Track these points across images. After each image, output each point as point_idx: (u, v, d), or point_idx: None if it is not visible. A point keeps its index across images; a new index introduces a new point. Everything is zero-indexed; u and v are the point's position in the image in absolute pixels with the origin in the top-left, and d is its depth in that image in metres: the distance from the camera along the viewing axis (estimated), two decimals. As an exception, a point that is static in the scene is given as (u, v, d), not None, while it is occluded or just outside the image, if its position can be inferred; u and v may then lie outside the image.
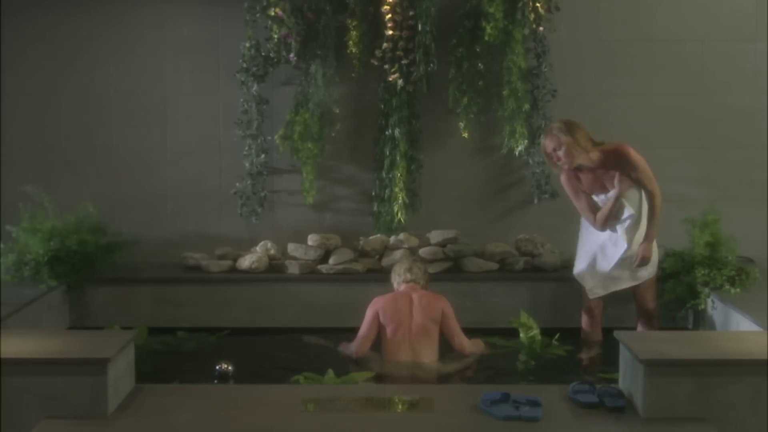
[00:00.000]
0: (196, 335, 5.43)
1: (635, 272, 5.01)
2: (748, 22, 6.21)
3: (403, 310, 4.68)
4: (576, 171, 4.94)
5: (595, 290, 5.10)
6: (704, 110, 6.26)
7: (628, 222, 4.96)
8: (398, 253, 5.82)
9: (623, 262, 4.99)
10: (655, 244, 5.05)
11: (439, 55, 5.93)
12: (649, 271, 5.05)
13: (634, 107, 6.28)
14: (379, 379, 4.50)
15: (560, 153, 4.82)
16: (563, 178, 5.04)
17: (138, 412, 3.41)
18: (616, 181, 4.88)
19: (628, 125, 6.29)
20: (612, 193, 4.90)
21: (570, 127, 4.84)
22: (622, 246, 4.97)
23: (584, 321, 5.23)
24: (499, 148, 6.13)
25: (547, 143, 4.88)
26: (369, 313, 4.76)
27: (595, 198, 5.01)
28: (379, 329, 4.73)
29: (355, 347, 4.77)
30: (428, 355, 4.63)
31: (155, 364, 4.74)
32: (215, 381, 4.38)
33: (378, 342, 4.75)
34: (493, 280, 5.73)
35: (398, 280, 4.91)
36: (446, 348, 4.78)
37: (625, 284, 5.06)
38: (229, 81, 6.18)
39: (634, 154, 4.84)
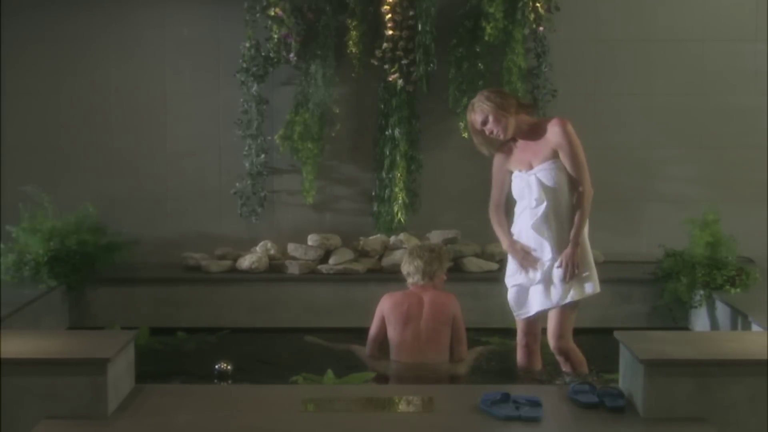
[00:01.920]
0: (196, 335, 5.44)
1: (577, 286, 4.11)
2: (748, 22, 6.21)
3: (411, 311, 4.59)
4: (512, 144, 4.21)
5: (520, 310, 4.30)
6: (704, 110, 6.26)
7: (545, 214, 4.11)
8: (398, 253, 5.82)
9: (552, 270, 4.14)
10: (589, 255, 4.16)
11: (439, 55, 5.94)
12: (592, 285, 4.13)
13: (634, 107, 6.28)
14: (386, 379, 4.49)
15: (490, 125, 4.12)
16: (496, 156, 4.30)
17: (138, 412, 3.40)
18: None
19: (628, 125, 6.30)
20: (527, 174, 4.15)
21: (490, 95, 4.16)
22: (548, 252, 4.15)
23: (518, 353, 4.41)
24: (499, 148, 6.12)
25: (474, 119, 4.17)
26: (376, 313, 4.71)
27: (517, 173, 4.21)
28: (386, 329, 4.70)
29: (367, 349, 4.74)
30: (436, 357, 4.59)
31: (155, 364, 4.74)
32: (215, 380, 4.37)
33: (386, 342, 4.74)
34: (493, 280, 5.70)
35: (403, 272, 4.78)
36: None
37: (560, 299, 4.14)
38: (229, 81, 6.18)
39: (573, 131, 4.08)
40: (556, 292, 4.13)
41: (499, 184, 4.32)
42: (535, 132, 4.15)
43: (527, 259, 4.20)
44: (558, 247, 4.11)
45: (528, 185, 4.15)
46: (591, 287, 4.13)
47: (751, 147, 6.22)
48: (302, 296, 5.77)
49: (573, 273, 4.08)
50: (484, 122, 4.14)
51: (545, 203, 4.09)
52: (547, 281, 4.15)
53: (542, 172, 4.09)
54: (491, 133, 4.15)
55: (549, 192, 4.09)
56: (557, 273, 4.10)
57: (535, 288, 4.20)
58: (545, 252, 4.14)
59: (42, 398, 3.28)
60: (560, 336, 4.17)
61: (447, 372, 4.56)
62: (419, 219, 6.15)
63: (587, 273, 4.12)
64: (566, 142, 4.05)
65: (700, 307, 5.32)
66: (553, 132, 4.07)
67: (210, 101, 6.32)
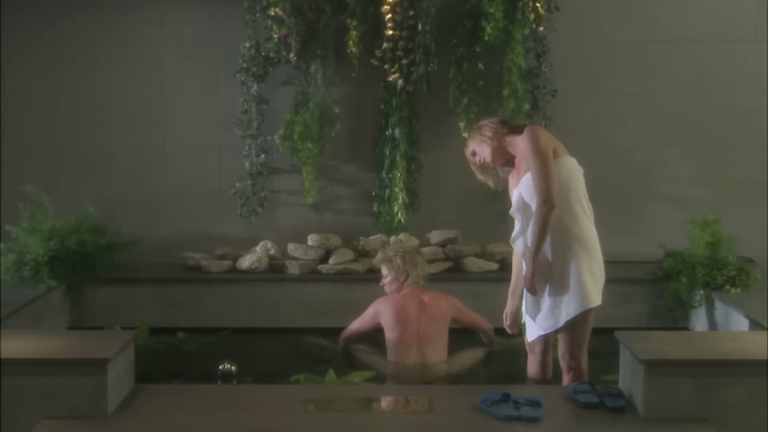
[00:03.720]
0: (196, 335, 5.44)
1: (564, 308, 3.86)
2: (748, 22, 6.21)
3: (411, 313, 4.64)
4: (515, 167, 4.06)
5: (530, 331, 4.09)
6: (704, 110, 6.26)
7: (521, 231, 3.94)
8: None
9: (540, 293, 3.91)
10: (582, 267, 3.82)
11: (439, 55, 5.93)
12: (575, 305, 3.83)
13: (634, 107, 6.28)
14: (385, 379, 4.49)
15: (478, 155, 4.05)
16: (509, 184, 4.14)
17: (138, 412, 3.41)
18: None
19: (628, 125, 6.30)
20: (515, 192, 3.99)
21: (476, 127, 4.12)
22: (527, 270, 3.93)
23: (529, 363, 4.19)
24: (499, 148, 6.12)
25: (467, 154, 4.12)
26: (370, 313, 4.76)
27: (514, 190, 4.04)
28: (377, 330, 4.73)
29: (342, 341, 4.85)
30: (435, 357, 4.64)
31: (155, 364, 4.74)
32: (219, 381, 4.37)
33: (379, 343, 4.75)
34: (493, 280, 5.72)
35: (413, 277, 4.78)
36: (451, 348, 4.79)
37: (548, 325, 3.93)
38: (229, 81, 6.18)
39: (537, 138, 3.82)
40: (542, 318, 3.92)
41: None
42: (517, 146, 3.98)
43: (507, 319, 4.14)
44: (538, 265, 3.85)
45: (514, 201, 4.00)
46: (577, 306, 3.82)
47: (751, 147, 6.22)
48: (302, 296, 5.77)
49: (531, 291, 3.84)
50: (473, 153, 4.07)
51: (522, 219, 3.92)
52: (534, 305, 3.94)
53: (523, 185, 3.91)
54: (480, 161, 4.06)
55: (525, 207, 3.89)
56: (546, 296, 3.88)
57: (530, 313, 4.00)
58: (525, 270, 3.92)
59: (42, 398, 3.29)
60: (570, 356, 3.95)
61: (443, 372, 4.57)
62: (419, 219, 6.15)
63: (571, 292, 3.81)
64: (527, 149, 3.82)
65: (700, 307, 5.32)
66: (522, 140, 3.88)
67: (210, 101, 6.32)
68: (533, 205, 3.84)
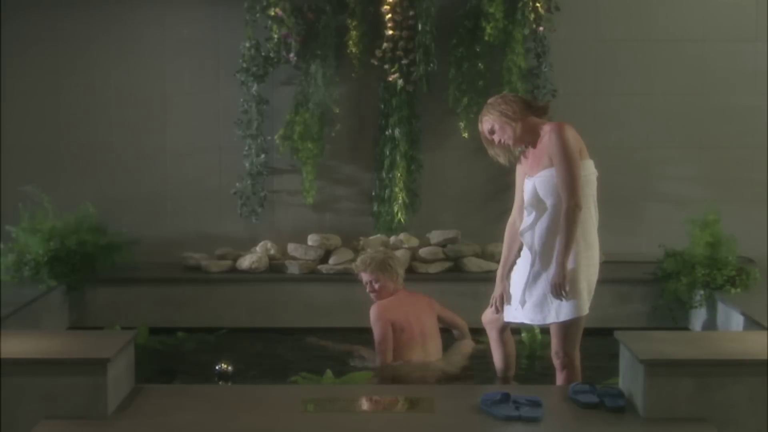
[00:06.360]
0: (196, 335, 5.43)
1: (545, 308, 3.87)
2: (748, 22, 6.22)
3: (411, 312, 4.66)
4: (528, 149, 3.98)
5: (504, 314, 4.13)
6: (704, 110, 6.26)
7: (531, 224, 3.93)
8: (398, 254, 5.80)
9: (532, 285, 3.93)
10: (581, 275, 3.82)
11: (439, 55, 5.94)
12: (567, 310, 3.83)
13: (634, 107, 6.28)
14: (384, 379, 4.49)
15: (497, 134, 3.92)
16: (518, 164, 4.07)
17: (138, 412, 3.41)
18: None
19: (628, 125, 6.30)
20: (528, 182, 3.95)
21: (494, 103, 3.96)
22: (528, 263, 3.96)
23: (494, 356, 4.32)
24: (499, 148, 6.12)
25: (483, 129, 3.98)
26: (382, 322, 4.62)
27: (526, 179, 3.99)
28: (371, 333, 4.72)
29: (385, 358, 4.64)
30: (435, 353, 4.66)
31: (155, 364, 4.74)
32: (216, 380, 4.37)
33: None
34: (493, 280, 5.67)
35: (401, 276, 4.81)
36: (446, 346, 4.81)
37: (534, 318, 3.94)
38: (229, 81, 6.18)
39: (567, 139, 3.78)
40: (530, 309, 3.92)
41: (519, 194, 4.06)
42: (541, 136, 3.92)
43: (498, 302, 4.13)
44: (541, 261, 3.87)
45: (527, 191, 3.96)
46: (568, 312, 3.82)
47: (751, 147, 6.22)
48: (302, 296, 5.77)
49: (560, 296, 3.78)
50: (491, 131, 3.94)
51: (534, 213, 3.90)
52: (524, 293, 3.94)
53: (539, 179, 3.87)
54: (500, 141, 3.94)
55: (539, 202, 3.88)
56: (538, 292, 3.89)
57: (514, 297, 4.03)
58: (528, 261, 3.94)
59: (42, 398, 3.29)
60: (564, 353, 3.92)
61: (440, 370, 4.58)
62: (419, 219, 6.15)
63: (571, 296, 3.80)
64: (556, 150, 3.78)
65: (700, 307, 5.32)
66: (548, 138, 3.83)
67: (210, 101, 6.32)
68: (548, 201, 3.85)
